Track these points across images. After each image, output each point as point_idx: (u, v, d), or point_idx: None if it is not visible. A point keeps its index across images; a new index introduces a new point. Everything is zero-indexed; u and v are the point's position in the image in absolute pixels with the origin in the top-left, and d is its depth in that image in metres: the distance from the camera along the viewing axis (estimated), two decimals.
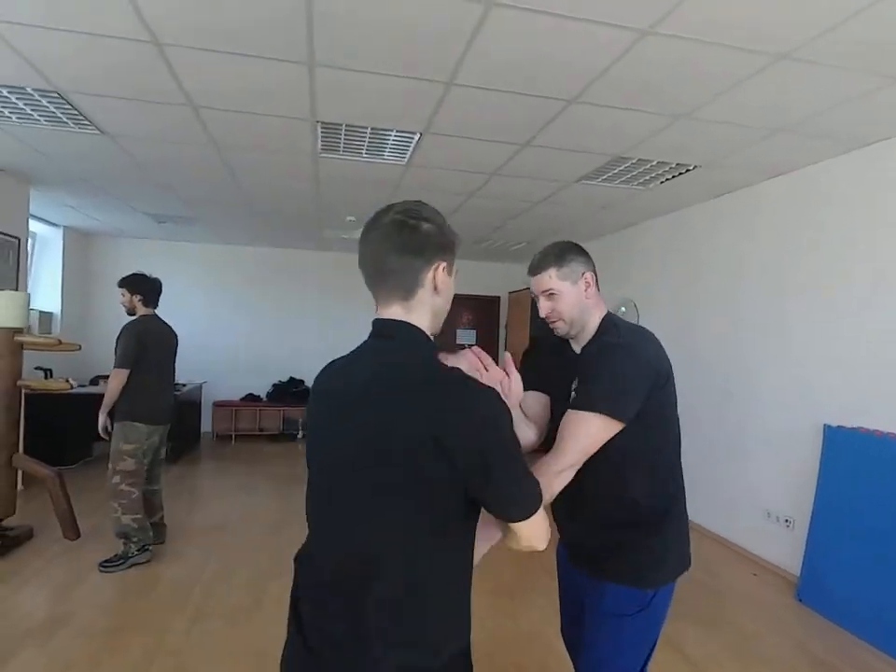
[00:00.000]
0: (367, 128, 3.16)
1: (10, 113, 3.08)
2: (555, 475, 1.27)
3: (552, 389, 1.54)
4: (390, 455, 0.89)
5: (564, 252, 1.43)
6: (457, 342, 8.35)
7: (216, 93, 2.74)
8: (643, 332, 1.46)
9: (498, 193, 4.44)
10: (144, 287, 3.49)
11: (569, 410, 1.34)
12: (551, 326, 1.47)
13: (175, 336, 3.70)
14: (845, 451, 3.11)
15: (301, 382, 7.68)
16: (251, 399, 7.45)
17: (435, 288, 1.00)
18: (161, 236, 7.01)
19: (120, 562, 3.28)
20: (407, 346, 0.98)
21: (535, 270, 1.45)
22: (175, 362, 3.73)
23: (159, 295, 3.62)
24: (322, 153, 3.62)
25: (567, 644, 1.65)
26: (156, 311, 3.61)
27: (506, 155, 3.53)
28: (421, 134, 3.23)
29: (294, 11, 2.01)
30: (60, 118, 3.11)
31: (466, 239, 6.38)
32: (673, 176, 3.86)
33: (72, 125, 3.21)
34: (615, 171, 3.77)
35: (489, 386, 0.93)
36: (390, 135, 3.27)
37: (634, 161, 3.57)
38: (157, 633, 2.66)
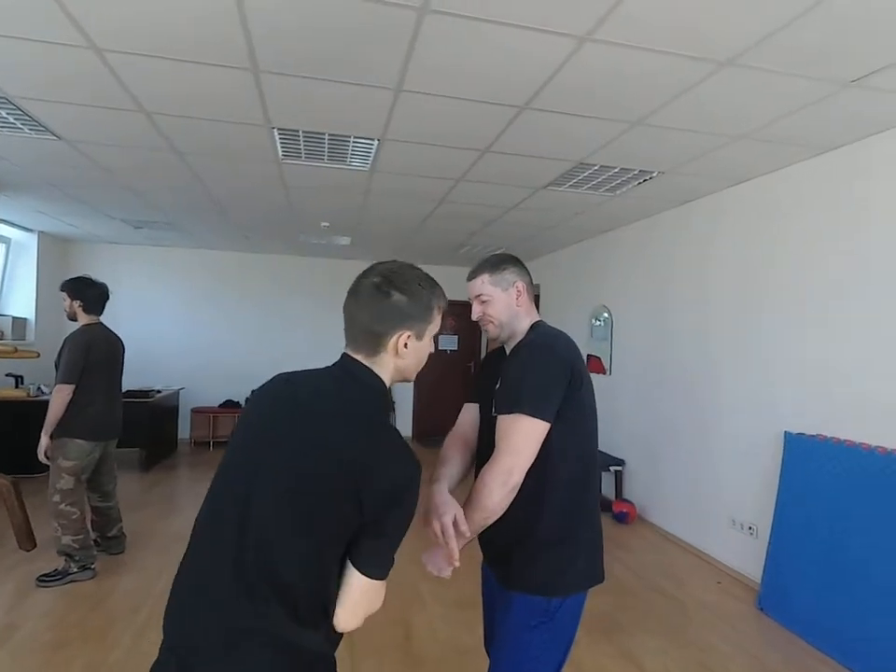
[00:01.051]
0: (324, 134, 3.14)
1: None
2: (494, 482, 1.31)
3: (482, 396, 1.60)
4: (313, 478, 0.98)
5: (499, 262, 1.55)
6: (440, 347, 8.33)
7: (165, 99, 2.71)
8: (561, 335, 1.52)
9: (468, 199, 4.43)
10: (85, 293, 3.31)
11: (498, 418, 1.39)
12: (482, 328, 1.58)
13: (122, 344, 3.56)
14: (805, 458, 3.09)
15: None
16: (230, 405, 7.39)
17: (397, 352, 1.09)
18: (140, 242, 6.97)
19: (59, 577, 3.20)
20: (365, 391, 1.08)
21: (471, 275, 1.57)
22: (122, 372, 3.58)
23: (104, 302, 3.43)
24: (284, 159, 3.59)
25: None
26: (101, 318, 3.44)
27: (468, 161, 3.51)
28: (379, 141, 3.21)
29: (226, 15, 1.99)
30: (14, 123, 3.07)
31: (444, 244, 6.38)
32: (639, 183, 3.85)
33: (27, 131, 3.18)
34: (580, 177, 3.76)
35: (413, 456, 1.03)
36: (349, 142, 3.25)
37: (597, 168, 3.56)
38: (102, 647, 2.62)
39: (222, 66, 2.36)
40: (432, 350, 1.19)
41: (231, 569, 0.95)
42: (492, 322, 1.53)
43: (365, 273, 1.11)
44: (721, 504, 3.82)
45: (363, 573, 0.99)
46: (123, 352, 3.58)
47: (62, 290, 3.37)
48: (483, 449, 1.50)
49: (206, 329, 7.47)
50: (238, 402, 7.47)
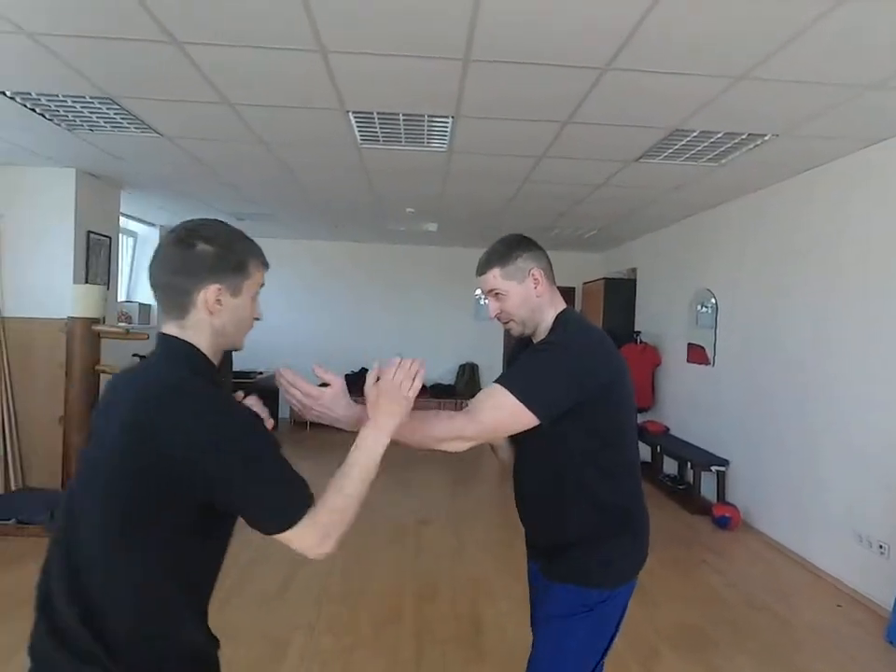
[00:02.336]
0: (398, 114, 3.09)
1: (82, 121, 3.37)
2: (441, 430, 1.26)
3: None
4: (113, 463, 0.90)
5: (509, 249, 1.40)
6: None
7: (244, 88, 2.79)
8: (591, 335, 1.39)
9: (553, 177, 4.19)
10: None
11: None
12: (504, 327, 1.47)
13: None
14: None
15: None
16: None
17: (209, 310, 0.99)
18: (247, 233, 7.44)
19: None
20: (162, 358, 0.99)
21: (480, 269, 1.43)
22: (231, 354, 3.93)
23: None
24: (363, 144, 3.60)
25: None
26: None
27: (549, 134, 3.29)
28: (454, 118, 3.10)
29: None
30: (121, 122, 3.34)
31: (531, 228, 6.14)
32: (749, 149, 3.40)
33: (133, 129, 3.45)
34: (677, 146, 3.40)
35: (217, 396, 0.95)
36: (423, 121, 3.17)
37: (696, 134, 3.19)
38: None
39: (292, 49, 2.37)
40: (259, 316, 1.09)
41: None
42: (512, 320, 1.42)
43: (167, 234, 1.03)
44: (843, 515, 3.32)
45: (269, 531, 0.93)
46: None
47: None
48: (517, 447, 1.48)
49: (306, 315, 7.87)
50: None
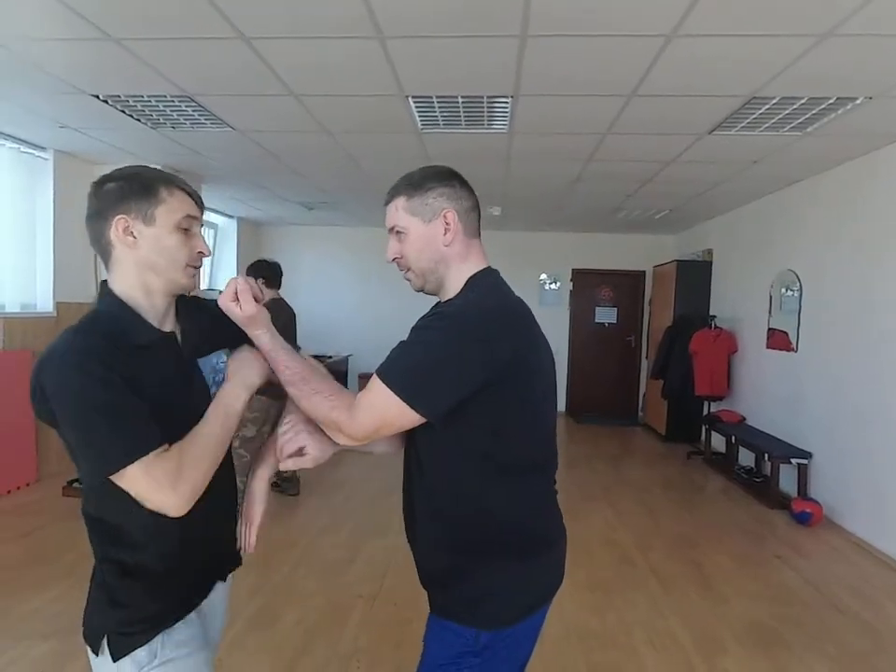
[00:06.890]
0: (457, 97, 3.09)
1: (165, 119, 3.61)
2: (326, 410, 1.03)
3: None
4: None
5: (423, 179, 1.11)
6: (596, 320, 7.89)
7: (307, 79, 2.88)
8: (495, 303, 1.07)
9: (619, 155, 4.04)
10: (265, 272, 3.89)
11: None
12: (404, 277, 1.17)
13: (295, 315, 4.06)
14: None
15: None
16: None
17: (126, 244, 0.97)
18: (314, 222, 7.73)
19: None
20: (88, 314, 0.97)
21: (386, 199, 1.15)
22: (295, 339, 4.11)
23: (280, 277, 4.00)
24: (423, 129, 3.63)
25: None
26: (279, 291, 4.01)
27: (614, 109, 3.17)
28: (513, 97, 3.05)
29: None
30: (199, 119, 3.56)
31: (598, 210, 5.95)
32: (837, 114, 3.12)
33: (210, 125, 3.66)
34: (756, 115, 3.17)
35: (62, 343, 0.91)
36: (483, 102, 3.15)
37: (777, 101, 2.97)
38: (264, 574, 3.01)
39: (351, 38, 2.42)
40: (204, 251, 1.01)
41: None
42: (409, 268, 1.13)
43: None
44: None
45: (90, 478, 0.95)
46: (295, 321, 4.07)
47: (247, 274, 3.93)
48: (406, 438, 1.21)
49: (372, 301, 8.07)
50: None
